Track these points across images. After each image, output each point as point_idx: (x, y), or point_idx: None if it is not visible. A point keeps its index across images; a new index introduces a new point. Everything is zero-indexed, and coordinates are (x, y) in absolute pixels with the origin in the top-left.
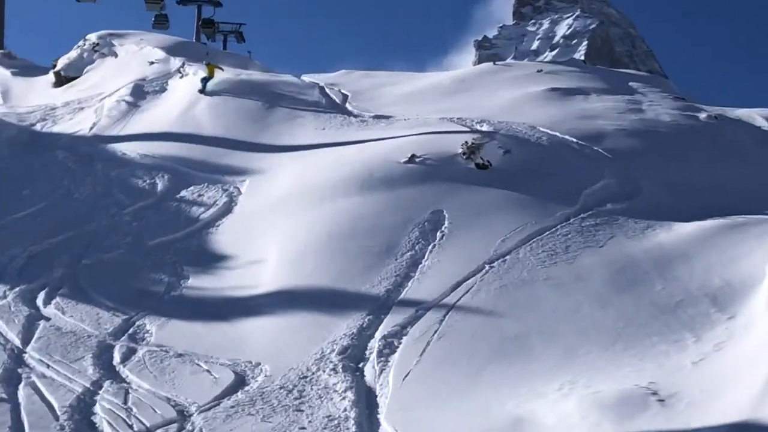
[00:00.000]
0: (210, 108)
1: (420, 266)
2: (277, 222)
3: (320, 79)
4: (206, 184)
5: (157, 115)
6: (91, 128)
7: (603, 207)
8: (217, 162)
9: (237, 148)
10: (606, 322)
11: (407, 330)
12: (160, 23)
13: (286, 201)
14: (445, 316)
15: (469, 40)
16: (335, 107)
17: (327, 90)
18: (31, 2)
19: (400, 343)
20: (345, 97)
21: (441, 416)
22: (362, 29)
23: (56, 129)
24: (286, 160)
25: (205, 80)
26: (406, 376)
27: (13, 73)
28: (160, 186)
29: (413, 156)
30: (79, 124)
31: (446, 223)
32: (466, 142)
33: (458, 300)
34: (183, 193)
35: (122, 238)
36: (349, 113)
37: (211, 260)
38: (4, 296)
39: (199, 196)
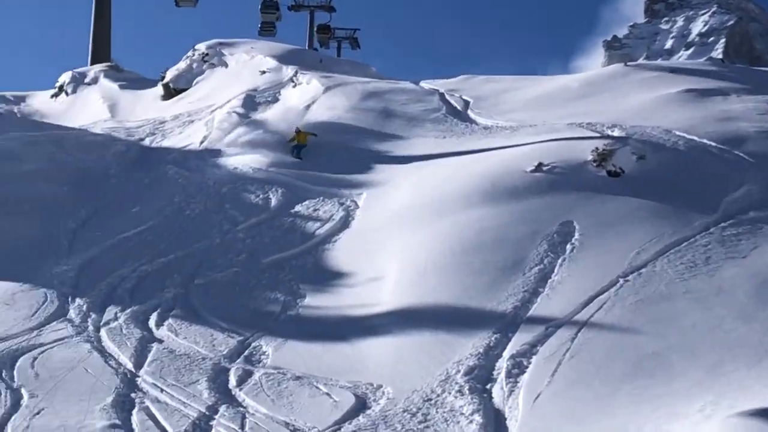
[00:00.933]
0: (324, 118)
1: (549, 281)
2: (396, 236)
3: (440, 85)
4: (322, 198)
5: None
6: (202, 142)
7: (745, 215)
8: (332, 174)
9: (354, 159)
10: (751, 338)
11: (537, 349)
12: (267, 30)
13: (405, 214)
14: (577, 334)
15: (596, 42)
16: (456, 114)
17: (447, 96)
18: (138, 14)
19: (529, 363)
20: (466, 104)
21: None
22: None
23: (166, 143)
24: (405, 171)
25: (297, 149)
26: (536, 397)
27: (121, 87)
28: (273, 201)
29: (540, 164)
30: (189, 138)
31: (577, 234)
32: (597, 148)
33: (591, 316)
34: (297, 207)
35: (235, 256)
36: (471, 121)
37: (328, 278)
38: (116, 318)
39: (315, 210)
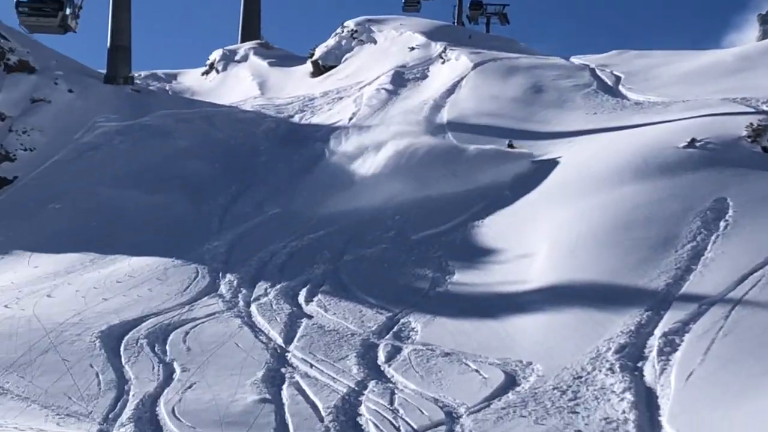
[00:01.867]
0: (473, 94)
1: (702, 258)
2: (546, 213)
3: (590, 60)
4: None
5: (418, 103)
6: (351, 118)
7: None
8: (483, 147)
9: (502, 136)
10: None
11: (690, 327)
12: (411, 5)
13: (555, 191)
14: (730, 312)
15: (750, 17)
16: (607, 90)
17: (598, 72)
18: None
19: (682, 341)
20: (618, 79)
21: (727, 419)
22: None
23: (315, 120)
24: (555, 148)
25: None
26: (689, 376)
27: (271, 64)
28: None
29: (693, 140)
30: (338, 115)
31: (731, 211)
32: (751, 123)
33: (745, 294)
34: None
35: (385, 232)
36: (623, 96)
37: (478, 254)
38: (266, 293)
39: (454, 178)
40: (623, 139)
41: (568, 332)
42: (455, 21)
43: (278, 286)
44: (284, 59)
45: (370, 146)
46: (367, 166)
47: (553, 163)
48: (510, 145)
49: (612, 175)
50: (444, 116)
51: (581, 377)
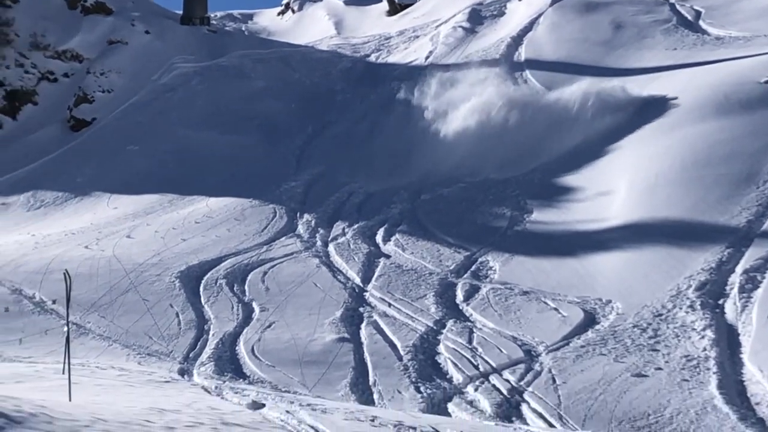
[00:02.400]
0: (551, 31)
1: None
2: (625, 151)
3: None
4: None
5: (495, 41)
6: (427, 57)
7: None
8: (559, 88)
9: (581, 73)
10: None
11: None
12: None
13: (634, 128)
14: None
15: None
16: (687, 25)
17: (678, 7)
18: None
19: (763, 278)
20: (698, 14)
21: None
22: None
23: (391, 59)
24: (635, 84)
25: None
26: None
27: (346, 3)
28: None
29: None
30: (414, 53)
31: None
32: None
33: None
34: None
35: (463, 173)
36: (703, 31)
37: (556, 193)
38: (343, 233)
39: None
40: (703, 76)
41: (648, 270)
42: None
43: (356, 226)
44: None
45: (452, 99)
46: (449, 122)
47: (633, 101)
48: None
49: (692, 111)
50: (522, 54)
51: (661, 315)
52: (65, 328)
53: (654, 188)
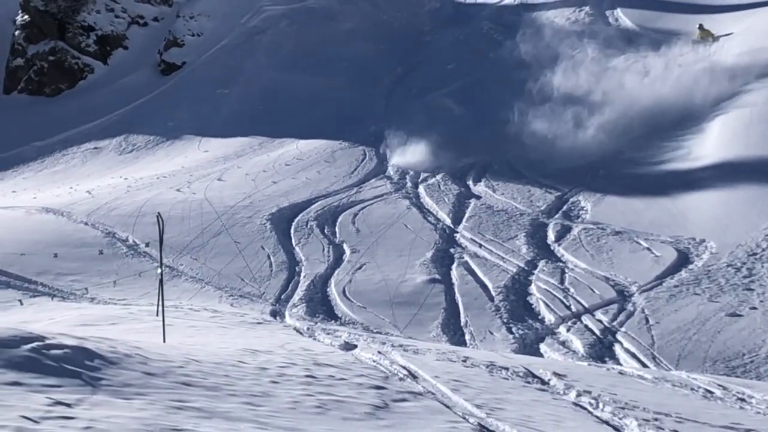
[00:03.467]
0: None
1: None
2: (720, 88)
3: None
4: (641, 51)
5: None
6: None
7: None
8: (651, 26)
9: (672, 10)
10: None
11: None
12: None
13: (729, 64)
14: None
15: None
16: None
17: None
18: None
19: None
20: None
21: None
22: None
23: None
24: (728, 20)
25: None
26: None
27: None
28: (591, 54)
29: None
30: None
31: None
32: None
33: None
34: (615, 61)
35: (553, 110)
36: None
37: (649, 131)
38: (434, 175)
39: (634, 63)
40: None
41: (743, 208)
42: None
43: (446, 166)
44: None
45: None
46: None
47: (728, 39)
48: (700, 27)
49: None
50: None
51: (756, 254)
52: (158, 271)
53: (748, 126)
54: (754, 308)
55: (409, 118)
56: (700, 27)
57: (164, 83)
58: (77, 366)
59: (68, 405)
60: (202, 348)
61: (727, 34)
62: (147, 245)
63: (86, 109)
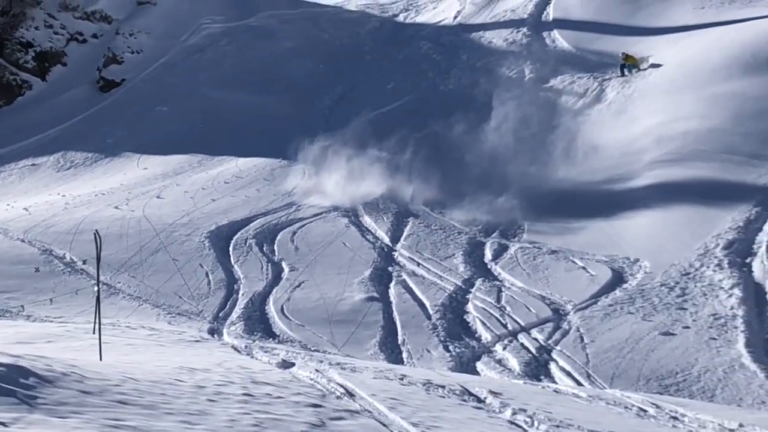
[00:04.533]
0: None
1: None
2: (653, 109)
3: None
4: (576, 73)
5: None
6: (455, 17)
7: None
8: (587, 47)
9: (609, 32)
10: None
11: None
12: None
13: (662, 86)
14: None
15: None
16: None
17: None
18: None
19: None
20: None
21: None
22: None
23: (419, 19)
24: (663, 43)
25: (625, 66)
26: None
27: None
28: (528, 75)
29: None
30: (442, 13)
31: None
32: None
33: None
34: (552, 82)
35: (490, 131)
36: None
37: (584, 152)
38: (372, 193)
39: (570, 84)
40: (731, 34)
41: (676, 228)
42: None
43: (385, 186)
44: None
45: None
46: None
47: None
48: (625, 56)
49: (720, 70)
50: (550, 14)
51: (689, 274)
52: (95, 288)
53: (682, 147)
54: (687, 327)
55: (348, 137)
56: (624, 56)
57: (103, 100)
58: (12, 385)
59: (4, 424)
60: (139, 366)
61: (656, 65)
62: (84, 263)
63: (24, 126)
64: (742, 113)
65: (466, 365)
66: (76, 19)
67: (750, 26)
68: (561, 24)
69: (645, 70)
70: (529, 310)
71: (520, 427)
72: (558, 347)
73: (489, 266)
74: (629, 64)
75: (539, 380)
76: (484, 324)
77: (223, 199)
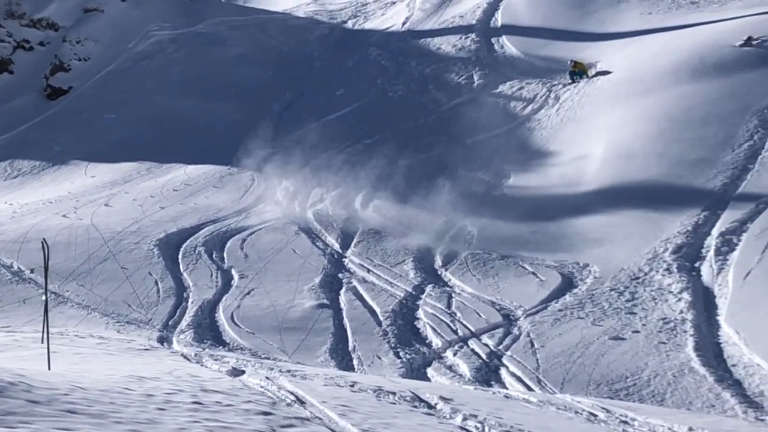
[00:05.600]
0: None
1: (759, 157)
2: (602, 114)
3: None
4: (525, 78)
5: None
6: (404, 23)
7: None
8: (536, 53)
9: (557, 38)
10: None
11: (747, 226)
12: None
13: (611, 91)
14: None
15: None
16: None
17: None
18: None
19: (739, 240)
20: None
21: None
22: None
23: (368, 26)
24: (611, 49)
25: (575, 74)
26: (747, 275)
27: None
28: (476, 81)
29: (750, 38)
30: (391, 20)
31: None
32: None
33: None
34: (501, 88)
35: (439, 137)
36: None
37: (533, 157)
38: (322, 200)
39: (519, 90)
40: (679, 39)
41: (625, 233)
42: None
43: (334, 192)
44: None
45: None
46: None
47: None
48: (573, 63)
49: (668, 75)
50: (498, 20)
51: (638, 278)
52: (43, 297)
53: (630, 152)
54: (637, 332)
55: (297, 143)
56: (572, 62)
57: (50, 108)
58: None
59: None
60: (88, 375)
61: (604, 72)
62: (32, 271)
63: None
64: (691, 118)
65: (417, 371)
66: (23, 26)
67: (697, 31)
68: (509, 30)
69: (594, 76)
70: (480, 315)
71: None
72: (508, 353)
73: (439, 272)
74: (578, 71)
75: (490, 386)
76: (434, 330)
77: (172, 206)
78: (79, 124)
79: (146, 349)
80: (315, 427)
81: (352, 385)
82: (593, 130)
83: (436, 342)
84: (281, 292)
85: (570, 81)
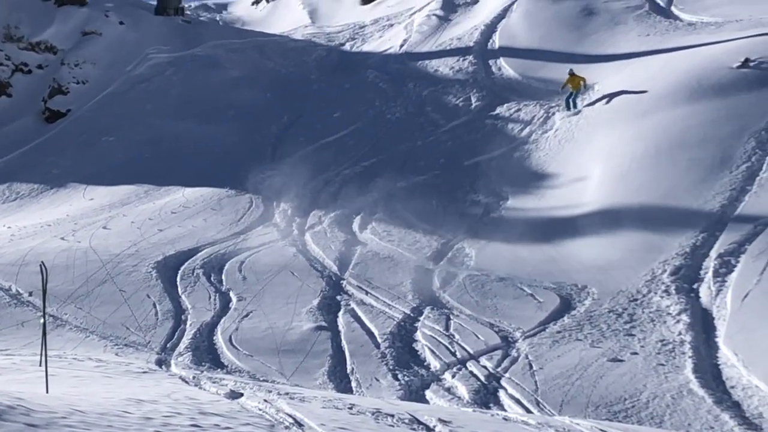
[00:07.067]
0: (524, 19)
1: (757, 179)
2: (600, 136)
3: None
4: (523, 100)
5: (469, 29)
6: (402, 45)
7: None
8: (533, 75)
9: (554, 60)
10: None
11: (745, 247)
12: None
13: (608, 113)
14: None
15: None
16: (659, 11)
17: None
18: None
19: (737, 262)
20: (670, 0)
21: None
22: None
23: (366, 48)
24: (608, 71)
25: (570, 97)
26: (745, 296)
27: None
28: (474, 103)
29: (747, 60)
30: (388, 42)
31: None
32: None
33: None
34: (498, 110)
35: (437, 158)
36: (675, 17)
37: (531, 179)
38: (320, 222)
39: (516, 112)
40: (676, 61)
41: (623, 255)
42: None
43: (332, 214)
44: None
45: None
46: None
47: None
48: (571, 73)
49: (665, 96)
50: (496, 42)
51: (637, 300)
52: (42, 320)
53: (628, 174)
54: (635, 353)
55: (295, 165)
56: (571, 72)
57: (49, 131)
58: None
59: None
60: (86, 398)
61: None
62: (30, 294)
63: None
64: (688, 139)
65: (415, 394)
66: (21, 49)
67: (694, 53)
68: (507, 52)
69: (591, 104)
70: (478, 337)
71: None
72: (507, 375)
73: (437, 294)
74: (574, 92)
75: (488, 408)
76: (432, 352)
77: (170, 229)
78: (78, 146)
79: (144, 372)
80: None
81: (351, 408)
82: (591, 152)
83: (435, 364)
84: (279, 314)
85: (567, 108)
